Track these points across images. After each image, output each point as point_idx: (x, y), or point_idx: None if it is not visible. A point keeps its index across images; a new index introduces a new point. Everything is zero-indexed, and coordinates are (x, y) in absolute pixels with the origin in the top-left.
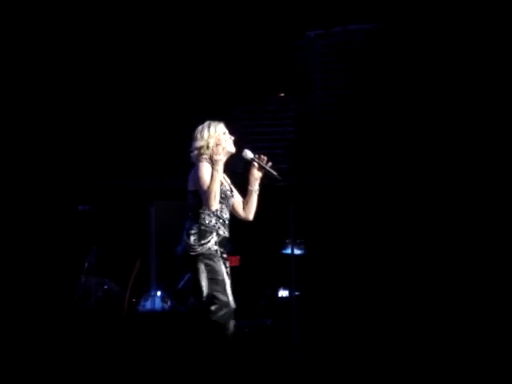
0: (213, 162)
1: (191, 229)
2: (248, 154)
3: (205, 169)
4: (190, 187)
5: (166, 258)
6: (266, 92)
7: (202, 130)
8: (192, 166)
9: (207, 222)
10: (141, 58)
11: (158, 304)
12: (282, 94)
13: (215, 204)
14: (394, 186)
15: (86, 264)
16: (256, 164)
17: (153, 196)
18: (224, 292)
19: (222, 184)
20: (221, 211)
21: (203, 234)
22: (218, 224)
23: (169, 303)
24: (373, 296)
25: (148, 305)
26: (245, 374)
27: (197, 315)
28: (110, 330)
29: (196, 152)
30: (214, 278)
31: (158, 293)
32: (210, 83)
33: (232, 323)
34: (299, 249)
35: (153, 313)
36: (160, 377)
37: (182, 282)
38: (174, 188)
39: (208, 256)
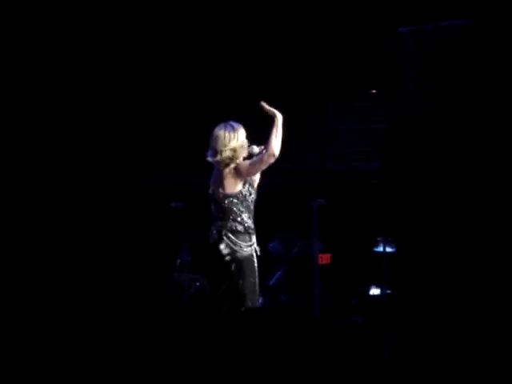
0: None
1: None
2: (255, 149)
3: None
4: (232, 190)
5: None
6: (358, 89)
7: (231, 135)
8: (221, 168)
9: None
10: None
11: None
12: (374, 91)
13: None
14: (489, 183)
15: (179, 261)
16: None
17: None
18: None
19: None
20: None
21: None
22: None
23: (260, 300)
24: (466, 295)
25: None
26: (336, 372)
27: (287, 312)
28: (201, 326)
29: (228, 154)
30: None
31: None
32: (302, 80)
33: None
34: (391, 247)
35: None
36: (254, 371)
37: (274, 279)
38: (263, 185)
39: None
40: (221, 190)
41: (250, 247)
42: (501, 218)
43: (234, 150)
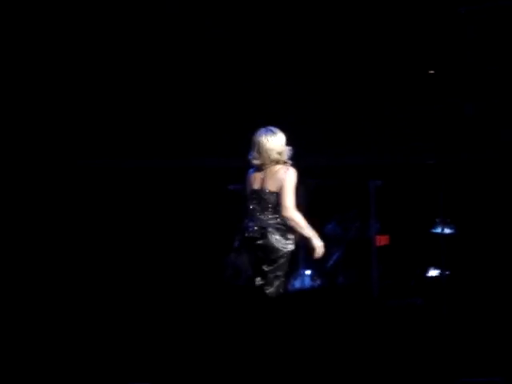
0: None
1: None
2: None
3: (295, 178)
4: (276, 188)
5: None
6: (416, 69)
7: (279, 137)
8: (267, 167)
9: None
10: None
11: (308, 283)
12: (432, 72)
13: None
14: None
15: (237, 243)
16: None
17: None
18: None
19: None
20: None
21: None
22: None
23: (318, 282)
24: None
25: (297, 283)
26: (394, 353)
27: (345, 292)
28: (258, 308)
29: (276, 156)
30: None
31: (308, 271)
32: (355, 60)
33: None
34: (449, 228)
35: (302, 291)
36: (311, 351)
37: (332, 261)
38: (322, 166)
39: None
40: (268, 187)
41: (291, 244)
42: None
43: (279, 153)
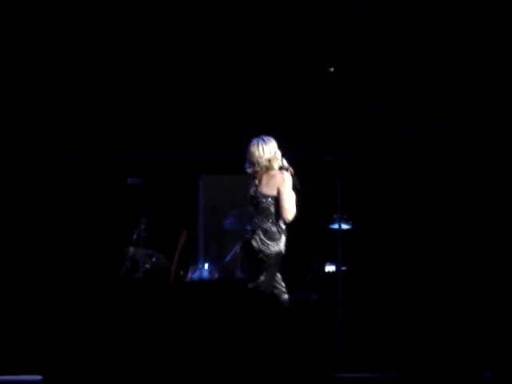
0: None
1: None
2: (285, 162)
3: (289, 178)
4: (269, 193)
5: (213, 231)
6: (315, 67)
7: (269, 146)
8: (260, 174)
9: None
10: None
11: (206, 276)
12: (332, 69)
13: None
14: (443, 161)
15: (135, 236)
16: (289, 171)
17: (201, 169)
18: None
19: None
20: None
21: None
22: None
23: (216, 276)
24: (419, 270)
25: (195, 277)
26: (290, 347)
27: (243, 287)
28: (156, 300)
29: (266, 164)
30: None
31: (206, 265)
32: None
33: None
34: (346, 224)
35: (197, 283)
36: (202, 347)
37: (229, 256)
38: (222, 161)
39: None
40: (263, 192)
41: (277, 247)
42: (453, 192)
43: (269, 160)
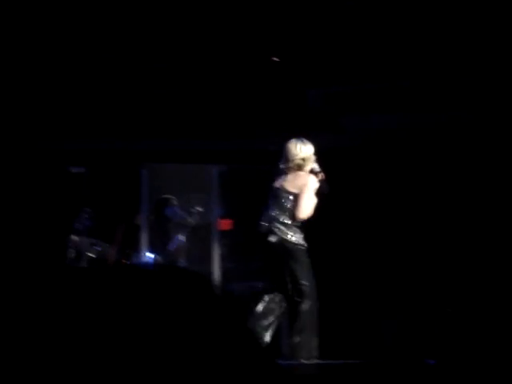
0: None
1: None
2: (316, 167)
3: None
4: (292, 190)
5: (157, 221)
6: (260, 56)
7: (306, 147)
8: (290, 170)
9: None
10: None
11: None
12: (276, 58)
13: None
14: (389, 151)
15: (78, 225)
16: (318, 176)
17: (145, 158)
18: None
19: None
20: None
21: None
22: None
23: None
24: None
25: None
26: (236, 335)
27: (187, 275)
28: (102, 289)
29: (299, 162)
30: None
31: (150, 254)
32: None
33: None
34: None
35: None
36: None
37: (174, 244)
38: (166, 150)
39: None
40: (287, 187)
41: (296, 236)
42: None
43: (303, 159)
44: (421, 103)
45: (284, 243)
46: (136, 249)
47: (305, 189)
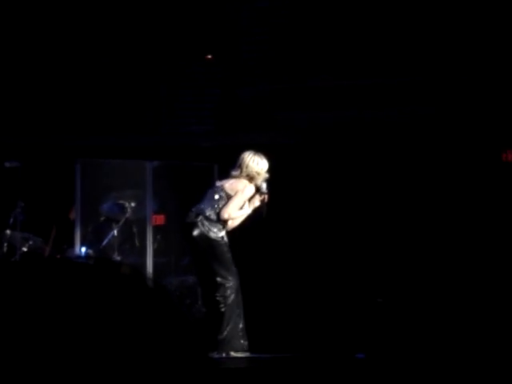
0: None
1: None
2: (263, 186)
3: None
4: (229, 191)
5: (90, 215)
6: (193, 54)
7: (263, 163)
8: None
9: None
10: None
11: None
12: (209, 56)
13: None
14: (323, 147)
15: (12, 219)
16: (262, 196)
17: (79, 153)
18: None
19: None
20: None
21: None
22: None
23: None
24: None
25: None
26: (169, 328)
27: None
28: (34, 284)
29: (252, 174)
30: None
31: (83, 249)
32: (138, 46)
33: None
34: None
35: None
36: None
37: (106, 240)
38: (100, 146)
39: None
40: (224, 186)
41: (219, 234)
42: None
43: (257, 173)
44: (357, 100)
45: (205, 238)
46: (70, 244)
47: (239, 193)
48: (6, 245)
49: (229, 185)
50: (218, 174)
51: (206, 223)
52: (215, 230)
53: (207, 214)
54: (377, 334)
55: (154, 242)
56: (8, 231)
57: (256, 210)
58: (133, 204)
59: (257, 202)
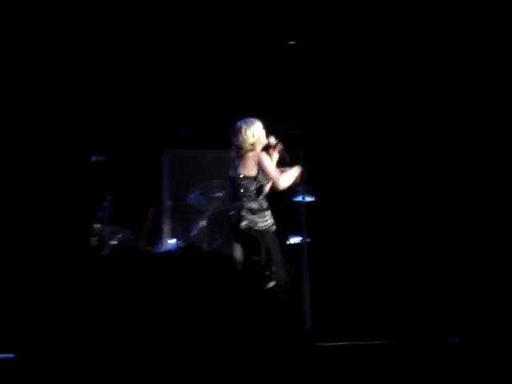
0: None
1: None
2: (271, 140)
3: (267, 158)
4: (249, 173)
5: (178, 207)
6: (275, 40)
7: (248, 132)
8: (241, 156)
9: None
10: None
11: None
12: (293, 42)
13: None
14: (406, 130)
15: (100, 213)
16: (276, 148)
17: (165, 145)
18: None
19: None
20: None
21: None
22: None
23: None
24: (382, 242)
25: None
26: (257, 319)
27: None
28: (126, 275)
29: (249, 147)
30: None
31: (172, 241)
32: (222, 37)
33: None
34: (310, 196)
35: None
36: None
37: (195, 230)
38: (187, 137)
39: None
40: (240, 173)
41: (266, 222)
42: (418, 162)
43: (252, 144)
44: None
45: (254, 231)
46: (159, 235)
47: (261, 165)
48: (95, 238)
49: (243, 169)
50: (304, 160)
51: (250, 216)
52: (261, 219)
53: (247, 206)
54: (472, 318)
55: None
56: (97, 225)
57: (279, 162)
58: (220, 194)
59: (275, 156)
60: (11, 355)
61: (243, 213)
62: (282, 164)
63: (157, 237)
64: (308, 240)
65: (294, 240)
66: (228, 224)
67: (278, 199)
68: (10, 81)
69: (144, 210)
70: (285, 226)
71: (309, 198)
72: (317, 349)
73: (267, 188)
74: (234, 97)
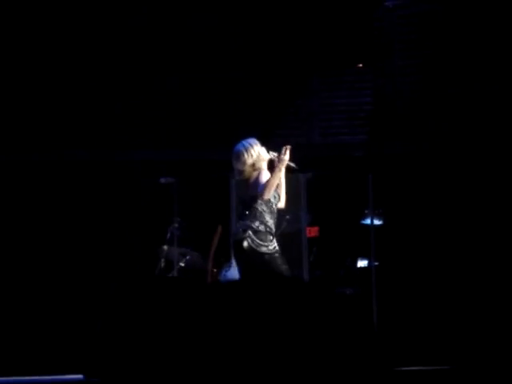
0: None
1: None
2: (271, 154)
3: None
4: (256, 192)
5: None
6: (344, 63)
7: (247, 154)
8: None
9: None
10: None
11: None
12: (360, 65)
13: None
14: (472, 156)
15: (169, 235)
16: (277, 158)
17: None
18: None
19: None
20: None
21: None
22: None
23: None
24: (451, 265)
25: (229, 275)
26: (325, 342)
27: (279, 283)
28: (194, 299)
29: (250, 170)
30: None
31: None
32: (288, 56)
33: None
34: (378, 219)
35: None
36: (247, 341)
37: None
38: None
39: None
40: (248, 194)
41: (269, 246)
42: (483, 188)
43: (253, 165)
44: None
45: (257, 253)
46: (226, 257)
47: (265, 184)
48: (163, 260)
49: (250, 188)
50: (372, 184)
51: (255, 237)
52: (266, 243)
53: (254, 226)
54: None
55: (309, 255)
56: (165, 246)
57: (287, 169)
58: (287, 216)
59: (280, 164)
60: (80, 376)
61: (248, 233)
62: (290, 170)
63: (223, 259)
64: (376, 263)
65: (362, 263)
66: (232, 241)
67: (346, 222)
68: (84, 104)
69: (212, 232)
70: (353, 250)
71: (377, 222)
72: (392, 373)
73: (275, 208)
74: (302, 119)
